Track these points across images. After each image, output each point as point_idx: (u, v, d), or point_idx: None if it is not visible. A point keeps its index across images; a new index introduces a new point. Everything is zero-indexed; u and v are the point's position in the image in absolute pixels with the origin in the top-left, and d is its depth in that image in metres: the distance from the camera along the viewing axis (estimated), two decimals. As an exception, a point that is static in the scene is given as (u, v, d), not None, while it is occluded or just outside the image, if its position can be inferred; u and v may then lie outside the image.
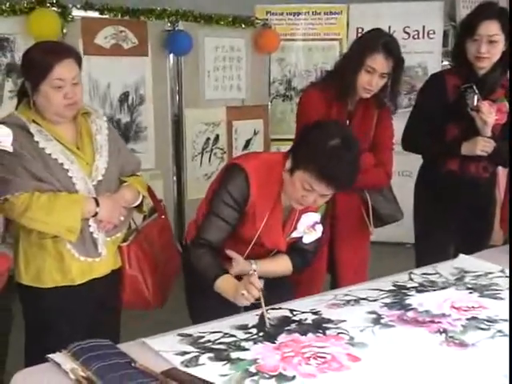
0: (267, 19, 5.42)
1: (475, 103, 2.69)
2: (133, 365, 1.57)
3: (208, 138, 5.10)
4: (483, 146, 2.73)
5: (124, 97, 4.63)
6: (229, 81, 5.26)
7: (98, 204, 2.20)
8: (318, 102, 2.71)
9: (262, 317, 1.91)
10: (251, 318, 1.94)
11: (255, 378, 1.56)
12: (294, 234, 2.18)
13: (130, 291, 2.42)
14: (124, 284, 2.41)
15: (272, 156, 2.24)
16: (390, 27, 5.48)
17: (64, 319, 2.25)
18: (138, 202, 2.38)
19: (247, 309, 2.05)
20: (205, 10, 5.09)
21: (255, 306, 1.99)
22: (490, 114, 2.69)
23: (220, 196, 2.10)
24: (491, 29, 2.71)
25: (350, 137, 1.97)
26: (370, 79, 2.60)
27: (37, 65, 2.17)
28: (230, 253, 2.10)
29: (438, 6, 5.47)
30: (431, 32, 5.47)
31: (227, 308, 2.03)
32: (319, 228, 2.18)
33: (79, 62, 2.25)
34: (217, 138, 5.21)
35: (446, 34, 5.56)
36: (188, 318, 2.34)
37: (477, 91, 2.69)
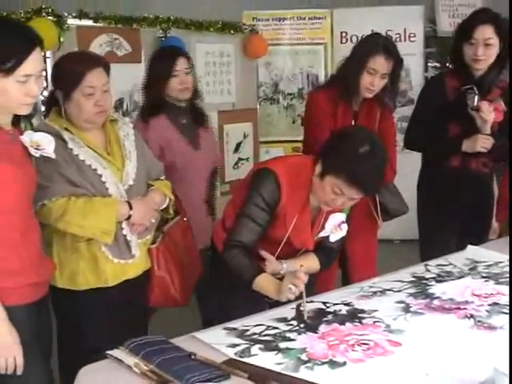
0: (254, 25, 5.53)
1: (475, 103, 2.85)
2: (192, 357, 1.66)
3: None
4: (483, 142, 2.89)
5: (119, 103, 4.69)
6: (219, 85, 5.35)
7: (130, 207, 2.29)
8: (324, 103, 2.85)
9: (299, 310, 2.02)
10: (289, 311, 2.04)
11: (309, 364, 1.67)
12: (322, 234, 2.29)
13: (158, 291, 2.52)
14: (152, 284, 2.50)
15: (300, 160, 2.34)
16: (372, 31, 5.59)
17: (97, 320, 2.33)
18: (165, 205, 2.47)
19: (271, 306, 2.17)
20: (195, 16, 5.19)
21: (278, 303, 2.12)
22: (489, 113, 2.85)
23: (252, 199, 2.19)
24: (486, 33, 2.87)
25: (377, 143, 2.09)
26: (372, 80, 2.76)
27: (68, 74, 2.25)
28: (263, 253, 2.20)
29: (419, 9, 5.67)
30: (412, 35, 5.66)
31: (254, 305, 2.14)
32: (345, 227, 2.29)
33: (108, 71, 2.34)
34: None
35: (426, 37, 5.75)
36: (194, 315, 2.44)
37: (477, 92, 2.85)
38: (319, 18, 5.76)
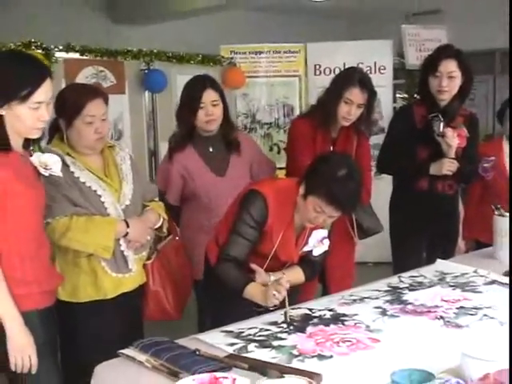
0: (232, 58, 5.81)
1: (441, 129, 3.13)
2: (197, 353, 1.87)
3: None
4: (449, 166, 3.17)
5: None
6: (199, 115, 5.58)
7: (128, 225, 2.50)
8: (305, 130, 3.12)
9: (285, 313, 2.24)
10: (278, 316, 2.26)
11: (300, 358, 1.89)
12: (306, 248, 2.52)
13: (153, 305, 2.72)
14: (147, 298, 2.70)
15: (285, 182, 2.59)
16: (344, 64, 5.96)
17: (96, 329, 2.52)
18: (159, 224, 2.68)
19: (259, 315, 2.38)
20: (175, 49, 5.45)
21: (266, 311, 2.34)
22: (453, 139, 3.13)
23: (242, 217, 2.42)
24: (450, 66, 3.17)
25: (353, 167, 2.35)
26: (349, 109, 3.03)
27: (71, 103, 2.47)
28: (253, 266, 2.42)
29: (388, 44, 6.02)
30: (382, 68, 5.98)
31: (244, 314, 2.36)
32: (326, 242, 2.53)
33: (106, 101, 2.57)
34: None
35: (395, 69, 6.08)
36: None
37: (442, 119, 3.14)
38: (294, 52, 6.06)
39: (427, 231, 3.35)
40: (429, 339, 2.04)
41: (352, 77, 3.05)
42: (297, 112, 6.07)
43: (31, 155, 2.14)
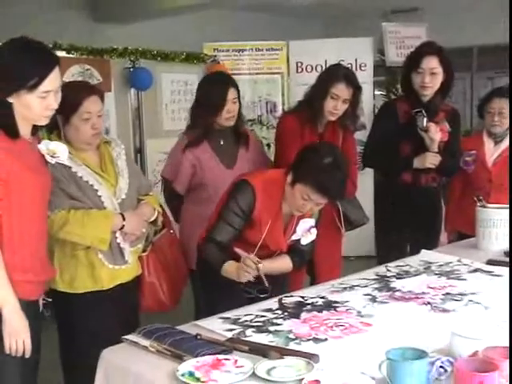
0: (216, 55, 5.89)
1: (424, 124, 3.24)
2: (198, 337, 1.94)
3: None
4: (432, 159, 3.28)
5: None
6: (184, 112, 5.65)
7: (124, 218, 2.57)
8: (293, 125, 3.21)
9: (281, 302, 2.33)
10: (272, 303, 2.34)
11: (297, 341, 1.97)
12: (294, 237, 2.61)
13: (148, 296, 2.79)
14: (143, 290, 2.77)
15: (273, 173, 2.67)
16: (326, 61, 6.09)
17: (94, 319, 2.58)
18: (153, 218, 2.75)
19: (252, 301, 2.46)
20: (158, 47, 5.51)
21: (260, 298, 2.45)
22: (436, 133, 3.24)
23: (229, 205, 2.53)
24: (432, 63, 3.28)
25: (339, 156, 2.46)
26: (335, 104, 3.13)
27: (68, 101, 2.51)
28: (238, 250, 2.48)
29: (369, 41, 6.13)
30: (363, 65, 6.09)
31: (236, 300, 2.46)
32: (314, 231, 2.62)
33: (102, 98, 2.64)
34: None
35: (375, 66, 6.20)
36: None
37: (425, 114, 3.24)
38: (276, 50, 6.16)
39: (411, 223, 3.45)
40: (418, 323, 2.14)
41: (338, 73, 3.15)
42: (279, 109, 6.17)
43: (39, 142, 2.19)
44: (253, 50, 6.13)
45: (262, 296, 2.54)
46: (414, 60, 3.33)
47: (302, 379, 1.67)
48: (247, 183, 2.53)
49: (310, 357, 1.79)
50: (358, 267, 3.41)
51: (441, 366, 1.66)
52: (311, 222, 2.60)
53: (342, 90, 3.11)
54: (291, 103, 6.15)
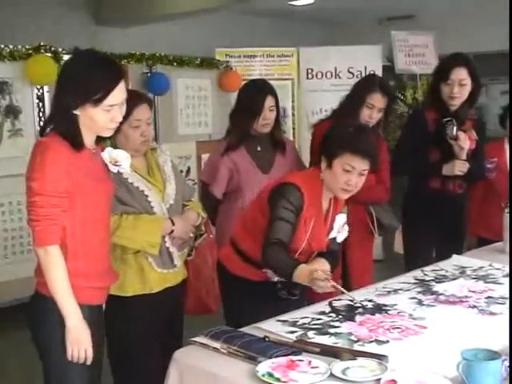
0: (228, 61, 5.96)
1: (454, 133, 3.34)
2: (266, 339, 2.02)
3: (181, 171, 5.52)
4: (460, 167, 3.38)
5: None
6: (198, 117, 5.74)
7: (173, 223, 2.63)
8: None
9: (332, 305, 2.40)
10: (324, 306, 2.42)
11: (360, 343, 2.05)
12: (332, 235, 2.65)
13: (193, 299, 2.87)
14: (188, 293, 2.84)
15: (307, 172, 2.75)
16: (336, 68, 6.19)
17: (142, 322, 2.65)
18: (198, 223, 2.82)
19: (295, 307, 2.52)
20: (171, 51, 5.58)
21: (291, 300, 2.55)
22: (466, 142, 3.34)
23: (281, 204, 2.47)
24: (461, 74, 3.38)
25: (361, 124, 2.63)
26: (371, 113, 3.24)
27: None
28: (267, 273, 2.54)
29: (378, 49, 6.24)
30: (372, 72, 6.15)
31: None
32: (346, 227, 2.68)
33: (151, 106, 2.71)
34: (188, 170, 5.65)
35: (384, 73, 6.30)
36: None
37: (455, 123, 3.34)
38: (287, 56, 6.24)
39: (438, 227, 3.55)
40: (469, 325, 2.23)
41: (373, 82, 3.26)
42: (289, 114, 6.26)
43: (103, 150, 2.25)
44: (264, 56, 6.21)
45: (293, 298, 2.61)
46: (443, 71, 3.43)
47: (379, 379, 1.74)
48: (291, 184, 2.52)
49: (381, 358, 1.87)
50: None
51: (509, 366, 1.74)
52: (344, 217, 2.65)
53: (377, 100, 3.21)
54: (301, 109, 6.27)
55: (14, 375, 3.88)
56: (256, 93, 3.27)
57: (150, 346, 2.67)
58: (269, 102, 3.24)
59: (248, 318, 2.38)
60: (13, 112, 4.51)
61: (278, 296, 2.63)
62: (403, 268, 3.46)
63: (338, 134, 2.51)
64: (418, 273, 2.91)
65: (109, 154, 2.27)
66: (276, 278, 2.59)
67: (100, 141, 2.25)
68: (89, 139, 2.16)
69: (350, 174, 2.43)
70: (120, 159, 2.29)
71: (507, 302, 2.44)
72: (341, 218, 2.64)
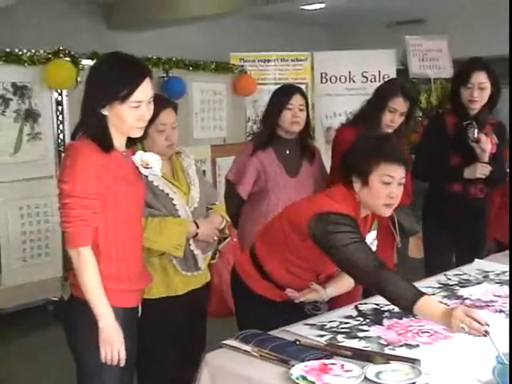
0: (243, 66, 5.98)
1: (475, 136, 3.34)
2: (297, 343, 2.02)
3: (199, 174, 5.54)
4: (482, 170, 3.38)
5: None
6: (212, 121, 5.76)
7: (197, 226, 2.65)
8: (351, 137, 3.27)
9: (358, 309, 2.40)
10: (350, 310, 2.43)
11: (390, 347, 2.06)
12: None
13: (216, 302, 2.88)
14: (211, 295, 2.85)
15: (338, 193, 2.41)
16: (350, 72, 6.20)
17: (166, 324, 2.66)
18: (222, 226, 2.83)
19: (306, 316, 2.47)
20: (185, 56, 5.60)
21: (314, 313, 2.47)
22: (487, 144, 3.34)
23: (344, 230, 2.22)
24: (481, 78, 3.38)
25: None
26: (393, 117, 3.24)
27: None
28: (290, 293, 2.40)
29: (392, 53, 6.25)
30: (386, 76, 6.18)
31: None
32: (375, 244, 2.67)
33: (176, 110, 2.72)
34: (203, 173, 5.65)
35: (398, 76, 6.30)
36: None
37: (476, 126, 3.34)
38: (301, 60, 6.26)
39: (459, 232, 3.55)
40: (498, 330, 2.21)
41: (395, 87, 3.27)
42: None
43: (134, 153, 2.26)
44: (278, 61, 6.23)
45: (318, 313, 2.50)
46: (463, 75, 3.43)
47: (414, 383, 1.75)
48: (337, 213, 2.27)
49: (414, 362, 1.87)
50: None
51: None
52: (374, 234, 2.65)
53: (399, 104, 3.21)
54: (315, 113, 6.27)
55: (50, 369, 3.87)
56: (284, 90, 3.38)
57: (168, 348, 2.68)
58: (298, 99, 3.30)
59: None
60: (32, 116, 4.52)
61: (298, 314, 2.46)
62: (417, 272, 3.47)
63: (364, 149, 2.35)
64: (441, 277, 2.91)
65: (140, 156, 2.28)
66: (297, 300, 2.43)
67: (131, 145, 2.26)
68: (118, 141, 2.17)
69: (390, 185, 2.28)
70: (151, 162, 2.30)
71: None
72: (371, 237, 2.58)
